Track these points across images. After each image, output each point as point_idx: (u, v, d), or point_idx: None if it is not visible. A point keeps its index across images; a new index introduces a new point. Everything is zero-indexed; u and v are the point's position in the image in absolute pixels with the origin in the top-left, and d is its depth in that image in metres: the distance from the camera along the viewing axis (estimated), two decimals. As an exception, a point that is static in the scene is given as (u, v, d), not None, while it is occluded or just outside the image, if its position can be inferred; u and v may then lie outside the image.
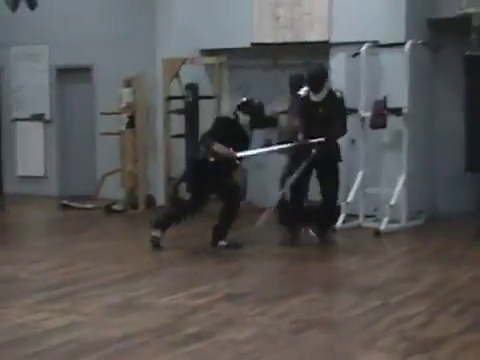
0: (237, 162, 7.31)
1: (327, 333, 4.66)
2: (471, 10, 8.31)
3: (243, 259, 6.89)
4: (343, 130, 7.42)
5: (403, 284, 5.83)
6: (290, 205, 7.51)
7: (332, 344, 4.50)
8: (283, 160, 9.16)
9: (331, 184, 7.35)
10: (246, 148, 7.33)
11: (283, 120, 8.15)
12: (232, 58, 9.66)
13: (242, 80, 10.20)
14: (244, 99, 7.47)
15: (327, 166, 7.30)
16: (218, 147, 6.99)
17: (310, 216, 7.60)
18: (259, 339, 4.50)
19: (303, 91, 7.50)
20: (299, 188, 7.40)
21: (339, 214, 8.15)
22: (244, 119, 7.28)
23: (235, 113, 7.35)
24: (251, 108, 7.31)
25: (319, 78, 7.37)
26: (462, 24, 8.29)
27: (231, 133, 7.15)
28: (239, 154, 7.15)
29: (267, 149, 7.94)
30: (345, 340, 4.63)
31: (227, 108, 10.18)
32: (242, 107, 7.32)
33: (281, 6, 9.38)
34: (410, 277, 6.07)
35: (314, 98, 7.37)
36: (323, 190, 7.39)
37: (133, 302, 5.31)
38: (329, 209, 7.49)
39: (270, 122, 7.96)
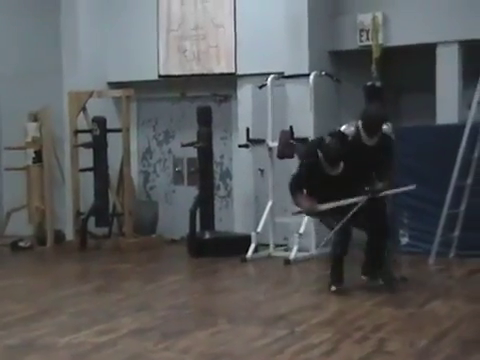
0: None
1: (232, 365, 4.64)
2: (370, 43, 8.59)
3: (149, 294, 6.79)
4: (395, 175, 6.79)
5: (309, 312, 5.87)
6: (335, 251, 6.62)
7: (236, 376, 4.47)
8: (193, 191, 9.19)
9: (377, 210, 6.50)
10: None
11: None
12: (140, 91, 9.63)
13: (151, 113, 10.21)
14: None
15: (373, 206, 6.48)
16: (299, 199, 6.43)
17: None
18: (163, 375, 4.44)
19: (350, 130, 6.59)
20: (345, 233, 6.50)
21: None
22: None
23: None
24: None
25: (381, 122, 6.51)
26: (363, 56, 8.56)
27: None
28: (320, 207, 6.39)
29: (345, 201, 6.38)
30: (250, 372, 4.61)
31: (135, 141, 10.15)
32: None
33: (187, 39, 9.45)
34: (316, 305, 6.12)
35: (368, 142, 6.48)
36: (371, 218, 6.48)
37: (33, 343, 5.14)
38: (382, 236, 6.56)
39: None
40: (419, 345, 4.88)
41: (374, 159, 6.38)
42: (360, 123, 6.50)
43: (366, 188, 6.37)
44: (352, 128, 6.56)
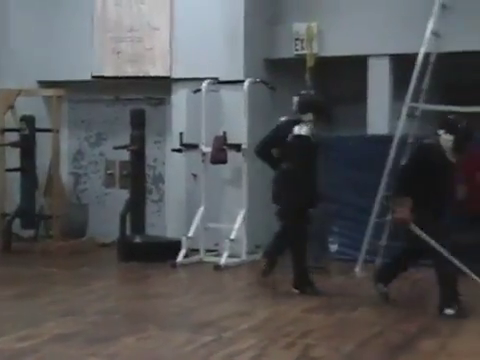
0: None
1: (158, 371, 4.60)
2: (305, 52, 8.70)
3: (76, 299, 6.67)
4: None
5: (238, 319, 5.87)
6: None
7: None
8: (126, 194, 9.09)
9: None
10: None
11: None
12: (73, 91, 9.48)
13: (83, 114, 10.05)
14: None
15: None
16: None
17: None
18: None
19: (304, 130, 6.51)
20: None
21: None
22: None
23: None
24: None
25: (471, 137, 6.01)
26: (298, 65, 8.66)
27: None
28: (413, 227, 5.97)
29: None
30: (175, 378, 4.58)
31: (66, 142, 9.98)
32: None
33: (123, 41, 9.37)
34: (245, 312, 6.12)
35: (453, 158, 6.00)
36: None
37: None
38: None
39: None
40: (345, 350, 4.95)
41: (452, 178, 6.05)
42: (449, 137, 5.93)
43: None
44: (305, 128, 6.51)
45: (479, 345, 5.09)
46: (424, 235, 5.96)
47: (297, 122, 6.63)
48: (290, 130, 6.60)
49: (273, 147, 6.81)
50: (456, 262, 6.00)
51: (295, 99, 7.18)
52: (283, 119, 7.00)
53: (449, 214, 6.29)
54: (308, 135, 6.60)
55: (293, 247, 6.75)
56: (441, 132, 5.97)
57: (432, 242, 5.92)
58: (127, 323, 5.79)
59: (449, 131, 5.94)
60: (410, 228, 6.01)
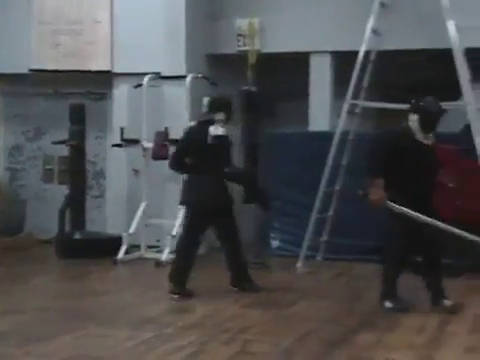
0: None
1: (95, 369, 4.53)
2: (247, 48, 8.71)
3: (13, 296, 6.53)
4: None
5: (177, 315, 5.85)
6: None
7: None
8: (65, 190, 8.94)
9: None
10: None
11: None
12: (8, 84, 9.27)
13: (20, 108, 9.84)
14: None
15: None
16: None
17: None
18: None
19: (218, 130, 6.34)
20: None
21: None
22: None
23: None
24: None
25: (440, 114, 5.92)
26: (240, 61, 8.66)
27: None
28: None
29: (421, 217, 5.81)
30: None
31: (2, 137, 9.75)
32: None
33: (62, 34, 9.20)
34: (184, 308, 6.10)
35: (425, 140, 5.92)
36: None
37: None
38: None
39: None
40: (283, 345, 4.97)
41: (431, 163, 5.85)
42: (415, 117, 5.84)
43: None
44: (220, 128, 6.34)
45: (415, 339, 5.17)
46: (403, 209, 5.71)
47: (211, 123, 6.46)
48: (205, 132, 6.38)
49: (187, 156, 6.51)
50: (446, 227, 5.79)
51: (205, 100, 7.12)
52: (193, 124, 6.87)
53: (431, 203, 5.93)
54: (226, 135, 6.48)
55: (178, 248, 6.59)
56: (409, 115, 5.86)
57: (413, 214, 5.69)
58: (65, 321, 5.68)
59: (413, 111, 5.83)
60: (387, 206, 5.76)
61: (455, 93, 7.45)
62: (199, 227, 6.48)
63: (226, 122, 6.53)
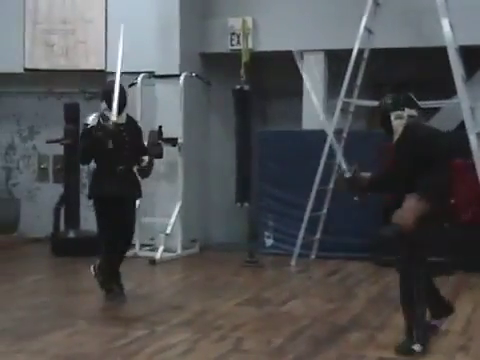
0: None
1: (87, 366, 4.54)
2: (240, 47, 8.71)
3: (5, 294, 6.53)
4: None
5: (170, 313, 5.85)
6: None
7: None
8: (59, 189, 8.95)
9: None
10: None
11: None
12: (3, 84, 9.27)
13: (15, 107, 9.84)
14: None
15: None
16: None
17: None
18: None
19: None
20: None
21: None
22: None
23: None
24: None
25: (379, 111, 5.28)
26: (233, 60, 8.66)
27: None
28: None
29: None
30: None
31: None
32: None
33: (55, 33, 9.20)
34: (177, 306, 6.10)
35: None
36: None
37: None
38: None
39: None
40: (275, 343, 4.98)
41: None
42: (413, 112, 5.05)
43: None
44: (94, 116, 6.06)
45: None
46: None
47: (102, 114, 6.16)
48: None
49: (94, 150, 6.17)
50: None
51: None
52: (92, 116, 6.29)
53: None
54: (93, 124, 6.10)
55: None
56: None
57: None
58: (56, 318, 5.69)
59: (408, 106, 5.02)
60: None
61: (448, 91, 7.48)
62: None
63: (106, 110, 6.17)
